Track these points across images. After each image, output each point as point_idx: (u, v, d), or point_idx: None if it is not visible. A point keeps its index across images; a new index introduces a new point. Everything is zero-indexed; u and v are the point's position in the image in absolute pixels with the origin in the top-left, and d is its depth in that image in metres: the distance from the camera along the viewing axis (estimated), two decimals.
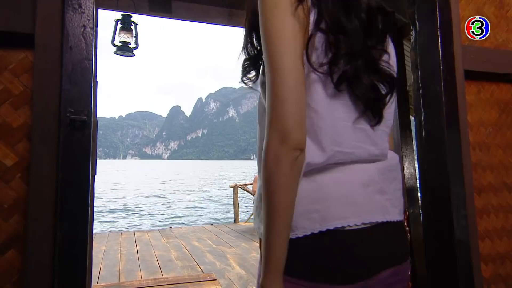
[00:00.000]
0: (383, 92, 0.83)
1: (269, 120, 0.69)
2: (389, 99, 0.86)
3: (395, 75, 0.89)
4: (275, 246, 0.69)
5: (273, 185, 0.68)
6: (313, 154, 0.74)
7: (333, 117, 0.76)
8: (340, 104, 0.77)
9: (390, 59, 0.90)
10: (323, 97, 0.75)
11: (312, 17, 0.74)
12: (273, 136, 0.68)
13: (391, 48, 0.93)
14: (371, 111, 0.80)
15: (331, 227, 0.73)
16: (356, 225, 0.74)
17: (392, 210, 0.82)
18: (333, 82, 0.74)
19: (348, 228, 0.74)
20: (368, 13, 0.79)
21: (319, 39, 0.74)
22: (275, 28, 0.71)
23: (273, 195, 0.68)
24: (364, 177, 0.79)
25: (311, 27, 0.74)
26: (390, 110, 0.89)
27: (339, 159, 0.76)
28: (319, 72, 0.74)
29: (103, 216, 16.46)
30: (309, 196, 0.75)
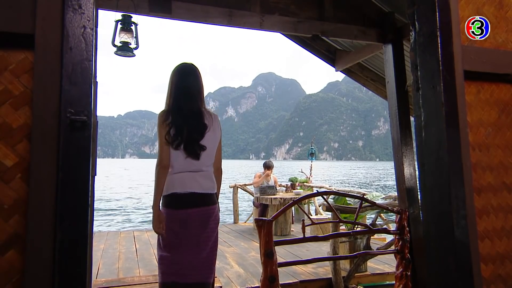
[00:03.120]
0: (198, 151, 2.16)
1: (157, 158, 2.16)
2: (204, 151, 2.18)
3: (207, 145, 2.19)
4: (156, 198, 2.13)
5: (157, 179, 2.13)
6: (171, 169, 2.16)
7: (176, 158, 2.15)
8: (179, 153, 2.13)
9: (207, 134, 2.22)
10: (172, 151, 2.14)
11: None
12: (157, 163, 2.14)
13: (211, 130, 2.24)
14: (192, 156, 2.15)
15: (173, 191, 2.13)
16: (183, 192, 2.12)
17: (205, 187, 2.18)
18: (173, 147, 2.14)
19: (179, 192, 2.12)
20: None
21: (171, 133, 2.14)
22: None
23: (157, 182, 2.13)
24: (191, 176, 2.15)
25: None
26: (207, 151, 2.20)
27: (181, 171, 2.15)
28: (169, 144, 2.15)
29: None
30: (169, 182, 2.14)
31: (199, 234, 2.12)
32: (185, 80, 2.21)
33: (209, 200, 2.17)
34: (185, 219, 2.09)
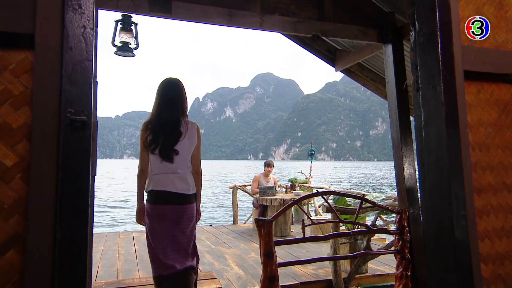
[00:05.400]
0: (172, 155, 2.44)
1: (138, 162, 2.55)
2: (176, 155, 2.46)
3: (180, 150, 2.46)
4: (138, 196, 2.55)
5: (137, 180, 2.52)
6: (150, 172, 2.49)
7: (154, 161, 2.47)
8: (155, 157, 2.45)
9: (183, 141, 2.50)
10: (150, 156, 2.48)
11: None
12: (138, 168, 2.52)
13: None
14: (166, 159, 2.44)
15: (152, 189, 2.46)
16: (158, 190, 2.44)
17: (179, 188, 2.45)
18: (152, 153, 2.47)
19: (156, 189, 2.45)
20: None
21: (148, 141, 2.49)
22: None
23: (137, 183, 2.53)
24: (167, 177, 2.44)
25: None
26: (181, 155, 2.47)
27: (158, 173, 2.46)
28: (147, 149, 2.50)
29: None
30: (149, 181, 2.47)
31: (174, 228, 2.43)
32: (168, 93, 2.51)
33: (183, 200, 2.46)
34: (160, 213, 2.43)
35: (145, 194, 2.53)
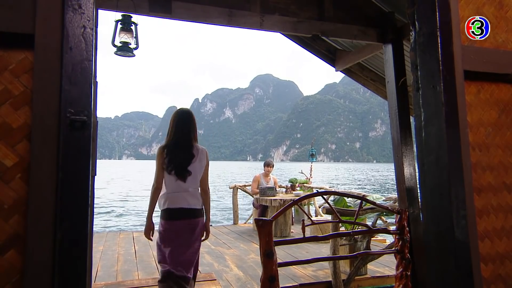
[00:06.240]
0: (185, 175, 2.80)
1: (154, 180, 2.83)
2: (189, 176, 2.82)
3: (192, 171, 2.83)
4: (149, 211, 2.81)
5: (152, 196, 2.80)
6: (166, 190, 2.81)
7: (169, 180, 2.79)
8: (171, 177, 2.78)
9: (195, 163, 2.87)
10: (166, 175, 2.80)
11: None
12: (153, 184, 2.81)
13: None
14: (180, 178, 2.78)
15: (167, 207, 2.77)
16: (174, 207, 2.77)
17: (191, 203, 2.80)
18: (168, 172, 2.80)
19: (171, 207, 2.77)
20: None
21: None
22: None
23: (151, 199, 2.80)
24: (180, 195, 2.79)
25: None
26: (192, 176, 2.83)
27: (173, 191, 2.79)
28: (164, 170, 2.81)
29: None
30: (165, 199, 2.79)
31: (188, 238, 2.80)
32: (182, 124, 2.90)
33: (194, 213, 2.85)
34: (176, 228, 2.78)
35: (159, 211, 2.88)
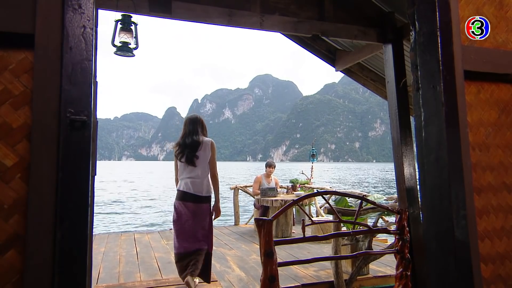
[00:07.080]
0: (194, 159, 3.56)
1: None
2: (197, 159, 3.56)
3: (199, 157, 3.58)
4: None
5: (175, 183, 3.78)
6: (181, 176, 3.66)
7: (182, 167, 3.62)
8: (183, 164, 3.60)
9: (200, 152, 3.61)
10: (179, 163, 3.65)
11: None
12: (175, 176, 3.80)
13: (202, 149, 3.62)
14: (190, 163, 3.56)
15: (179, 189, 3.61)
16: (183, 190, 3.56)
17: (195, 191, 3.53)
18: (180, 160, 3.63)
19: (181, 190, 3.57)
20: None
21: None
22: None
23: (176, 184, 3.75)
24: (189, 181, 3.56)
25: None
26: (200, 160, 3.57)
27: (184, 177, 3.59)
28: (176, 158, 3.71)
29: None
30: (180, 184, 3.63)
31: (193, 218, 3.51)
32: (191, 125, 3.68)
33: (197, 199, 3.55)
34: (185, 207, 3.53)
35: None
